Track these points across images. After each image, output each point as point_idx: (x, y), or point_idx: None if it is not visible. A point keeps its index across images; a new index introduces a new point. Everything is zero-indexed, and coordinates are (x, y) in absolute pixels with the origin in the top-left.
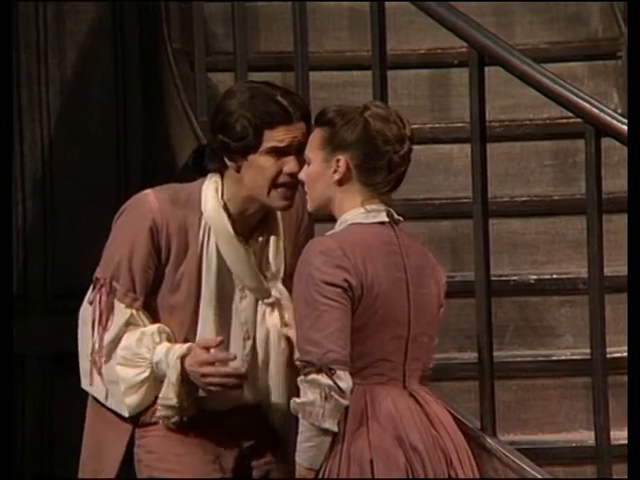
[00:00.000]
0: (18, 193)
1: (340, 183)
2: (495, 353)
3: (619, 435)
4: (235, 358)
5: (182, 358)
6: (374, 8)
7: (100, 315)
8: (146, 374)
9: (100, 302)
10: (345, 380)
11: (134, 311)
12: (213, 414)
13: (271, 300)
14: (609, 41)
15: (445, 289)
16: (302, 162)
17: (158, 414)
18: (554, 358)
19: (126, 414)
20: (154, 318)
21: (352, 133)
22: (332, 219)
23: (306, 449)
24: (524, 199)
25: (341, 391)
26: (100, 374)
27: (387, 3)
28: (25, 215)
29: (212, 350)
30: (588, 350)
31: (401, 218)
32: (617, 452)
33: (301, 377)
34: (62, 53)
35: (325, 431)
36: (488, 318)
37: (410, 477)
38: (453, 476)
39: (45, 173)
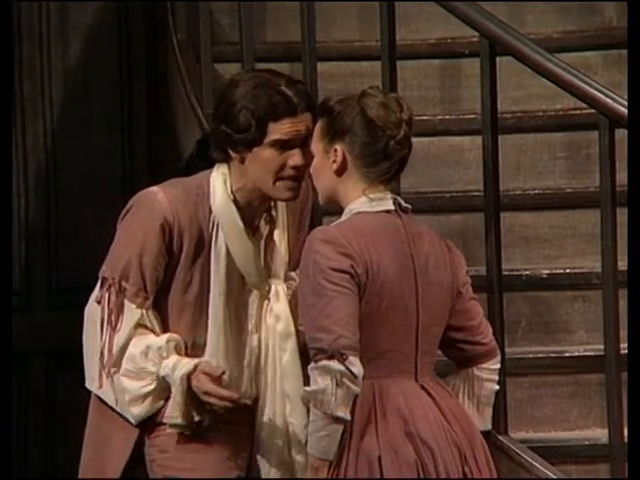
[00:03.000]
0: (21, 186)
1: (339, 173)
2: (507, 349)
3: None
4: (237, 399)
5: (188, 375)
6: None
7: (109, 315)
8: (152, 386)
9: (109, 302)
10: (357, 366)
11: (144, 311)
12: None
13: (273, 294)
14: (623, 30)
15: (464, 273)
16: (307, 154)
17: (167, 426)
18: (567, 354)
19: (133, 421)
20: (163, 317)
21: (347, 122)
22: (339, 212)
23: (318, 439)
24: (536, 192)
25: (354, 376)
26: (110, 377)
27: None
28: (28, 208)
29: (223, 376)
30: (601, 346)
31: (409, 206)
32: None
33: (311, 364)
34: (65, 44)
35: (337, 419)
36: (500, 313)
37: (420, 473)
38: (467, 472)
39: (48, 165)
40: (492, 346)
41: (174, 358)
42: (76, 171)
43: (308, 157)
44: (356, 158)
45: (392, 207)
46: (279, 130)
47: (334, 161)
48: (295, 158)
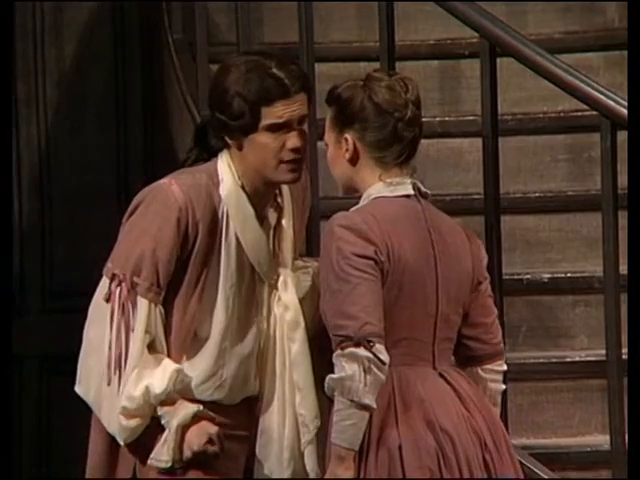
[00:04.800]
0: (14, 188)
1: (353, 162)
2: (507, 354)
3: None
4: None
5: (184, 426)
6: None
7: (121, 312)
8: (147, 421)
9: (120, 298)
10: (384, 353)
11: (154, 306)
12: (230, 409)
13: (281, 283)
14: (626, 31)
15: (484, 266)
16: (304, 134)
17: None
18: (568, 359)
19: (121, 442)
20: (167, 311)
21: (354, 109)
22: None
23: (345, 428)
24: (537, 195)
25: (382, 363)
26: (119, 369)
27: None
28: (21, 211)
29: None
30: (603, 351)
31: (428, 191)
32: None
33: (337, 352)
34: (60, 44)
35: (364, 407)
36: (500, 318)
37: (441, 461)
38: (487, 459)
39: (42, 167)
40: (499, 348)
41: (174, 406)
42: (71, 173)
43: (305, 138)
44: (367, 144)
45: (412, 192)
46: (273, 114)
47: (346, 150)
48: (293, 140)
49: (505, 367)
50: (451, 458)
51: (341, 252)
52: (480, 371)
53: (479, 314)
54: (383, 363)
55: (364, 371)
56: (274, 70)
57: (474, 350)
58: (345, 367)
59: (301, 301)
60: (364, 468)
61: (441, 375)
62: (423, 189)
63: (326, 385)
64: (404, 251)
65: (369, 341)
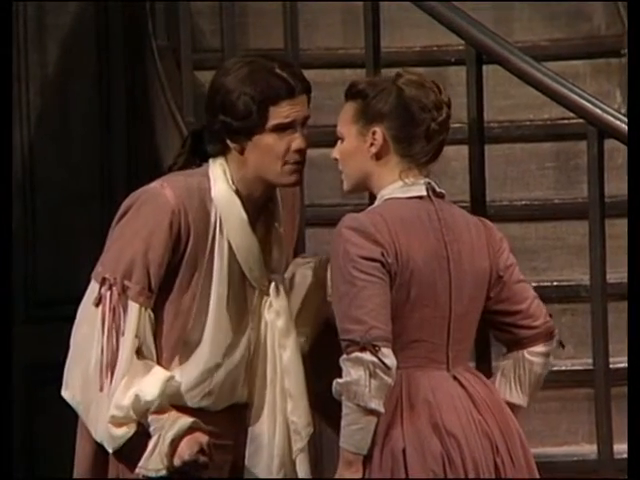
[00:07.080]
0: None
1: (377, 157)
2: (494, 363)
3: (622, 449)
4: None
5: (178, 437)
6: (368, 4)
7: (112, 316)
8: (134, 429)
9: (111, 302)
10: (390, 357)
11: (144, 310)
12: (215, 417)
13: (272, 289)
14: (612, 38)
15: (505, 256)
16: (307, 138)
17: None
18: (555, 369)
19: (109, 449)
20: (157, 317)
21: (386, 103)
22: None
23: (352, 433)
24: (524, 203)
25: (387, 368)
26: (111, 374)
27: None
28: None
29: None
30: (590, 360)
31: (443, 191)
32: (620, 466)
33: (343, 356)
34: (43, 50)
35: (371, 411)
36: (486, 327)
37: (446, 465)
38: (499, 462)
39: (25, 175)
40: (544, 329)
41: (166, 414)
42: (54, 180)
43: (308, 141)
44: (397, 140)
45: (424, 193)
46: (279, 114)
47: (372, 144)
48: (298, 141)
49: (552, 346)
50: (457, 462)
51: (348, 254)
52: (526, 354)
53: (511, 303)
54: (388, 367)
55: (370, 375)
56: (278, 70)
57: (517, 334)
58: (350, 372)
59: (307, 295)
60: (368, 470)
61: (455, 378)
62: (438, 189)
63: (333, 389)
64: (413, 253)
65: (374, 345)
